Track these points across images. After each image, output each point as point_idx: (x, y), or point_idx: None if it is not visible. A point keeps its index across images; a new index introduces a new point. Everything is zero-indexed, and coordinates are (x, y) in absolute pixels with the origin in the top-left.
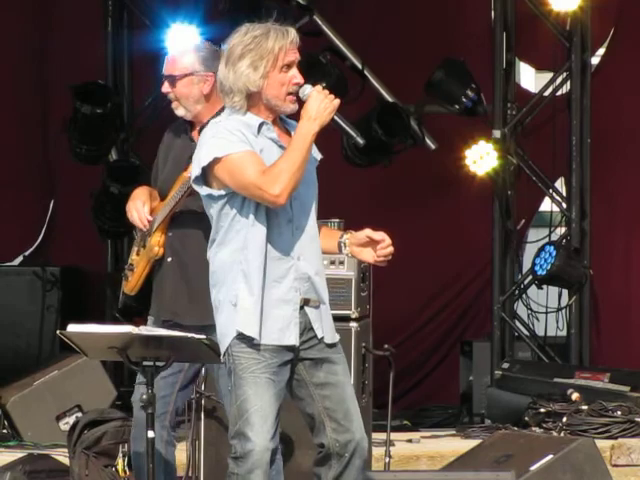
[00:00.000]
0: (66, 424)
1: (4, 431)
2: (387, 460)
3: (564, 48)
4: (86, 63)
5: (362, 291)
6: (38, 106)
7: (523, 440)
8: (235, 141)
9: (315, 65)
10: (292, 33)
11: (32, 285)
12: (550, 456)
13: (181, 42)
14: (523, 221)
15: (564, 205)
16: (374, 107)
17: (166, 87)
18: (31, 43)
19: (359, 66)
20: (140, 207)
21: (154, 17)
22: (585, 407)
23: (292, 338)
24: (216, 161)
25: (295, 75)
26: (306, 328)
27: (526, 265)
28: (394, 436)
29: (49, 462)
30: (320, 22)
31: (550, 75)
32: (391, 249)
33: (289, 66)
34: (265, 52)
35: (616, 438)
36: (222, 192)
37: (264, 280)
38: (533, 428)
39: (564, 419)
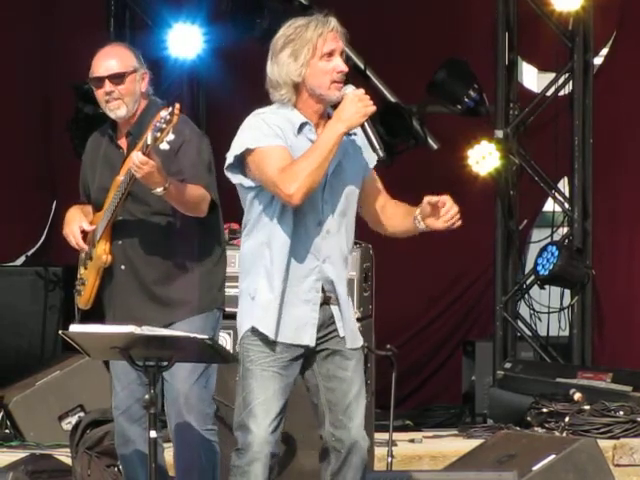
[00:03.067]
0: (68, 424)
1: (6, 431)
2: (389, 460)
3: (566, 48)
4: (88, 63)
5: (364, 291)
6: (41, 106)
7: (525, 440)
8: (269, 135)
9: None
10: (332, 22)
11: (34, 285)
12: (552, 456)
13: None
14: (525, 221)
15: (566, 205)
16: (376, 107)
17: (109, 86)
18: (34, 43)
19: (361, 66)
20: (76, 231)
21: (156, 17)
22: (587, 407)
23: (307, 338)
24: (248, 152)
25: (338, 64)
26: (324, 324)
27: (529, 265)
28: (396, 436)
29: (51, 462)
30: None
31: (553, 75)
32: (455, 209)
33: (330, 54)
34: (305, 41)
35: (618, 438)
36: (252, 184)
37: (286, 278)
38: (535, 428)
39: (566, 419)
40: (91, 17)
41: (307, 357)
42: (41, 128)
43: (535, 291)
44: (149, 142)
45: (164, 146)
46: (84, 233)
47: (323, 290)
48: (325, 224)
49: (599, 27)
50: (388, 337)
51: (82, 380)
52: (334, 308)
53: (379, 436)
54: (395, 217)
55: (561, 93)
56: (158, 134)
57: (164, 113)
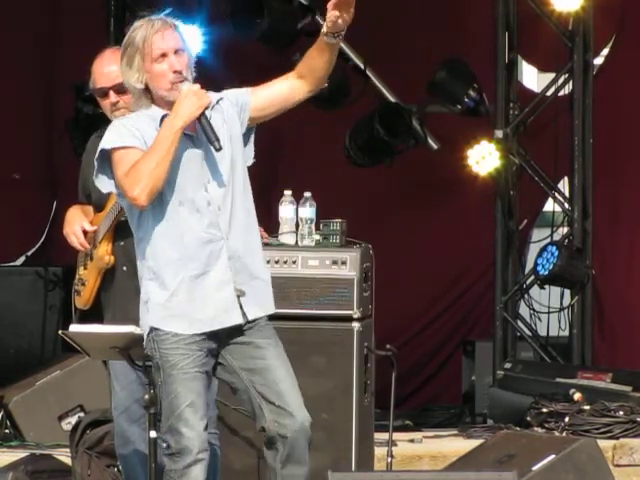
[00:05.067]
0: (68, 424)
1: (6, 431)
2: (389, 460)
3: (566, 48)
4: (89, 63)
5: (364, 291)
6: (41, 106)
7: (525, 440)
8: (125, 135)
9: None
10: (157, 23)
11: (34, 285)
12: (552, 456)
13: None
14: (525, 221)
15: (566, 205)
16: (376, 107)
17: (114, 97)
18: (35, 43)
19: (361, 66)
20: (78, 230)
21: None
22: (587, 407)
23: (236, 317)
24: (105, 154)
25: (172, 63)
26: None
27: (529, 265)
28: (396, 436)
29: (51, 462)
30: (322, 22)
31: (553, 75)
32: None
33: (163, 55)
34: (134, 48)
35: (618, 438)
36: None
37: (188, 271)
38: (535, 428)
39: (566, 419)
40: (91, 17)
41: (218, 353)
42: (41, 128)
43: (535, 291)
44: None
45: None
46: (85, 233)
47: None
48: (213, 203)
49: (599, 27)
50: (388, 337)
51: (82, 380)
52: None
53: (379, 436)
54: (312, 60)
55: (561, 93)
56: None
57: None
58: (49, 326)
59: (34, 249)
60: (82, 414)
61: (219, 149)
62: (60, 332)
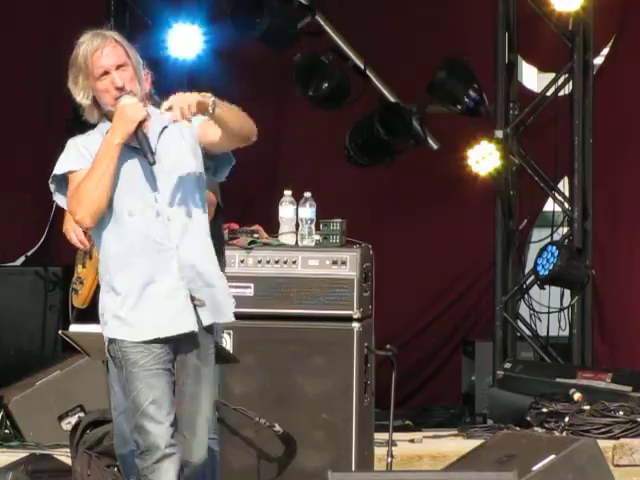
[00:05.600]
0: (68, 424)
1: (6, 431)
2: (389, 460)
3: (566, 48)
4: None
5: (364, 291)
6: (42, 106)
7: (525, 440)
8: (72, 158)
9: (317, 65)
10: (97, 40)
11: (34, 285)
12: (552, 456)
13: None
14: (525, 221)
15: (566, 205)
16: (376, 107)
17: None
18: (35, 43)
19: (361, 66)
20: (78, 228)
21: (156, 17)
22: (587, 407)
23: (189, 324)
24: (58, 178)
25: (114, 80)
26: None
27: (529, 265)
28: (396, 436)
29: (51, 462)
30: (322, 22)
31: (553, 75)
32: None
33: (106, 72)
34: (77, 68)
35: (618, 438)
36: None
37: (138, 279)
38: (535, 428)
39: (566, 419)
40: (91, 17)
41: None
42: (41, 128)
43: (535, 291)
44: None
45: None
46: (84, 231)
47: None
48: (162, 213)
49: (599, 27)
50: (388, 337)
51: (82, 380)
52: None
53: (379, 436)
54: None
55: (561, 93)
56: None
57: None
58: (49, 326)
59: (34, 249)
60: (82, 414)
61: (152, 163)
62: (60, 332)
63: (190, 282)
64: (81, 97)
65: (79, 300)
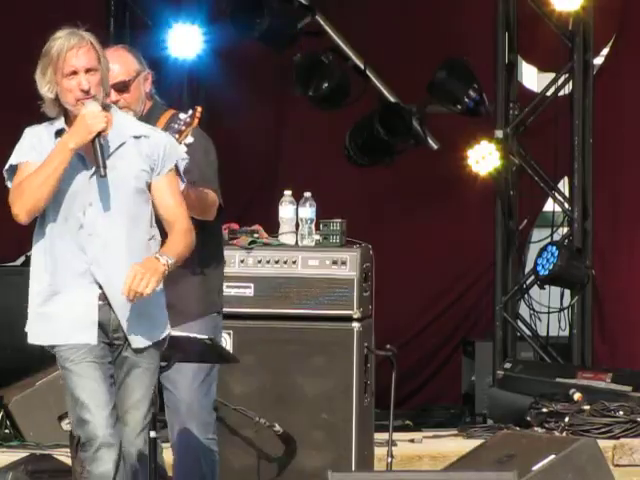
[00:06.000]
0: (68, 424)
1: (6, 431)
2: (389, 460)
3: (566, 48)
4: None
5: (364, 291)
6: (40, 106)
7: (525, 440)
8: (25, 148)
9: (317, 65)
10: (74, 39)
11: None
12: (552, 456)
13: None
14: (525, 221)
15: (566, 205)
16: (376, 107)
17: (115, 95)
18: (33, 43)
19: (361, 66)
20: None
21: (156, 17)
22: (587, 407)
23: (86, 337)
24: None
25: (80, 82)
26: (111, 327)
27: (529, 265)
28: (396, 436)
29: (51, 462)
30: (322, 22)
31: (553, 75)
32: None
33: (75, 72)
34: (49, 60)
35: (618, 438)
36: None
37: (53, 286)
38: (535, 428)
39: (566, 419)
40: (91, 17)
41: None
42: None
43: (535, 291)
44: None
45: (182, 148)
46: None
47: (104, 293)
48: (86, 227)
49: (599, 27)
50: (388, 337)
51: None
52: (118, 310)
53: (379, 436)
54: None
55: (561, 93)
56: (176, 136)
57: (183, 115)
58: None
59: None
60: None
61: (102, 176)
62: None
63: (111, 299)
64: (46, 90)
65: None
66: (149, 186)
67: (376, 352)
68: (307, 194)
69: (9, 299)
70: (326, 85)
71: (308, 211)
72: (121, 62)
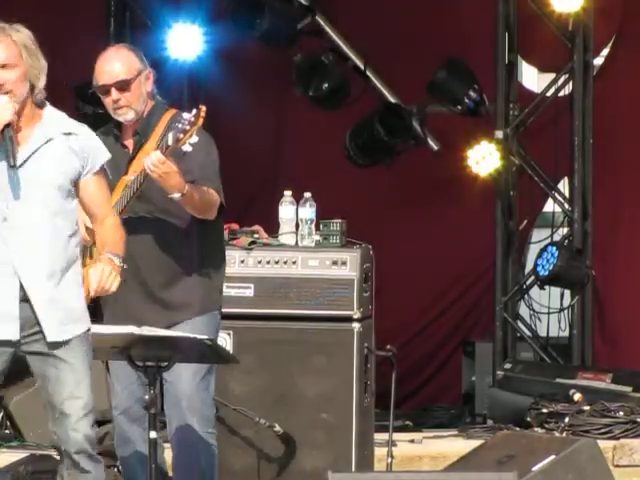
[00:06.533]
0: None
1: (6, 431)
2: (389, 460)
3: (566, 49)
4: (89, 63)
5: (364, 291)
6: None
7: (525, 441)
8: None
9: (317, 65)
10: None
11: None
12: (552, 457)
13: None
14: (525, 221)
15: (566, 205)
16: (376, 107)
17: (116, 94)
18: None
19: (361, 66)
20: (79, 223)
21: (156, 17)
22: (587, 407)
23: (10, 332)
24: None
25: None
26: (28, 322)
27: (529, 266)
28: (396, 436)
29: (51, 462)
30: (322, 22)
31: (553, 75)
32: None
33: None
34: None
35: (618, 439)
36: None
37: None
38: (535, 428)
39: (566, 419)
40: (91, 17)
41: (16, 357)
42: None
43: (535, 291)
44: (170, 143)
45: (186, 148)
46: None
47: (22, 287)
48: (9, 220)
49: (599, 27)
50: (388, 337)
51: None
52: (36, 306)
53: (379, 436)
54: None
55: (561, 93)
56: (181, 135)
57: (187, 115)
58: None
59: None
60: None
61: (12, 166)
62: None
63: (31, 293)
64: None
65: None
66: (76, 183)
67: (376, 352)
68: (307, 194)
69: None
70: (326, 85)
71: (308, 211)
72: (122, 61)
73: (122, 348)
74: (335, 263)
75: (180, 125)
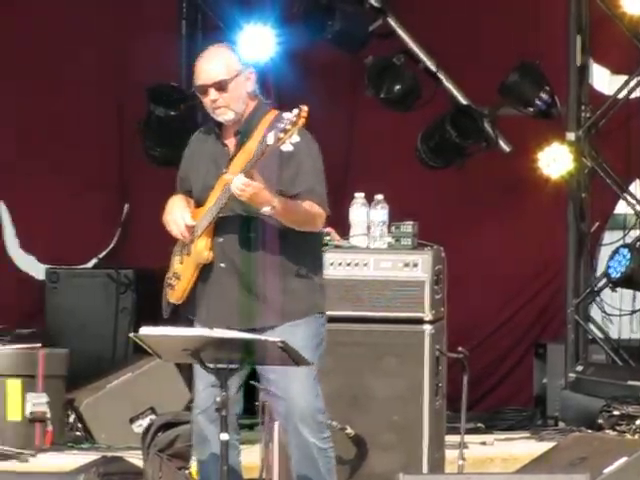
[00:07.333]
0: (139, 426)
1: (78, 433)
2: (461, 463)
3: (638, 51)
4: (161, 65)
5: (436, 293)
6: (113, 108)
7: (597, 443)
8: None
9: (389, 67)
10: None
11: (106, 288)
12: (624, 459)
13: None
14: (597, 224)
15: (638, 207)
16: (448, 109)
17: (214, 94)
18: (106, 45)
19: (433, 68)
20: (180, 221)
21: (227, 19)
22: None
23: None
24: None
25: None
26: None
27: (600, 268)
28: (468, 439)
29: (122, 464)
30: (394, 24)
31: (625, 78)
32: None
33: None
34: None
35: None
36: None
37: None
38: (607, 431)
39: (638, 422)
40: (162, 19)
41: None
42: (113, 130)
43: (607, 294)
44: (270, 142)
45: (287, 147)
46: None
47: None
48: None
49: None
50: (460, 339)
51: (153, 382)
52: None
53: (450, 439)
54: None
55: (633, 95)
56: (281, 135)
57: (288, 115)
58: (121, 329)
59: (106, 251)
60: (153, 416)
61: None
62: (132, 335)
63: None
64: None
65: (175, 296)
66: None
67: (448, 354)
68: (379, 196)
69: (81, 301)
70: (398, 87)
71: (380, 213)
72: (222, 61)
73: (193, 350)
74: (407, 265)
75: (281, 125)
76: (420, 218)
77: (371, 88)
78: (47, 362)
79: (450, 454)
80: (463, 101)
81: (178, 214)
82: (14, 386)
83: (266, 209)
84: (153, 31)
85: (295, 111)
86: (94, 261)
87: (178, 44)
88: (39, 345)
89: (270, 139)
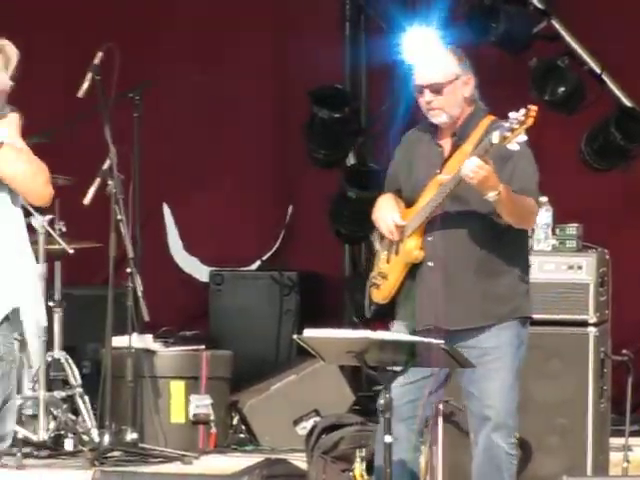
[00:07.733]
0: (303, 429)
1: (241, 435)
2: (625, 465)
3: None
4: (324, 67)
5: (601, 296)
6: (276, 109)
7: None
8: None
9: (553, 70)
10: None
11: (270, 290)
12: None
13: (425, 47)
14: None
15: None
16: (612, 111)
17: (429, 96)
18: (268, 46)
19: (597, 71)
20: (389, 220)
21: (391, 20)
22: None
23: None
24: None
25: None
26: None
27: None
28: (632, 441)
29: (286, 467)
30: (558, 26)
31: None
32: None
33: None
34: None
35: None
36: None
37: None
38: None
39: None
40: (326, 20)
41: None
42: (276, 132)
43: None
44: (495, 141)
45: (513, 147)
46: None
47: None
48: None
49: None
50: (625, 342)
51: (317, 385)
52: None
53: (615, 441)
54: None
55: None
56: (508, 134)
57: (515, 114)
58: (284, 330)
59: (269, 253)
60: (317, 419)
61: None
62: (295, 337)
63: None
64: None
65: (380, 295)
66: None
67: (612, 357)
68: (543, 199)
69: (245, 303)
70: (562, 89)
71: (544, 216)
72: (440, 64)
73: (357, 352)
74: (571, 267)
75: (507, 124)
76: (584, 220)
77: (535, 90)
78: (211, 364)
79: (614, 457)
80: (628, 103)
81: (388, 213)
82: (178, 388)
83: (492, 194)
84: (316, 32)
85: (523, 110)
86: (258, 263)
87: (341, 46)
88: (203, 347)
89: (495, 138)
